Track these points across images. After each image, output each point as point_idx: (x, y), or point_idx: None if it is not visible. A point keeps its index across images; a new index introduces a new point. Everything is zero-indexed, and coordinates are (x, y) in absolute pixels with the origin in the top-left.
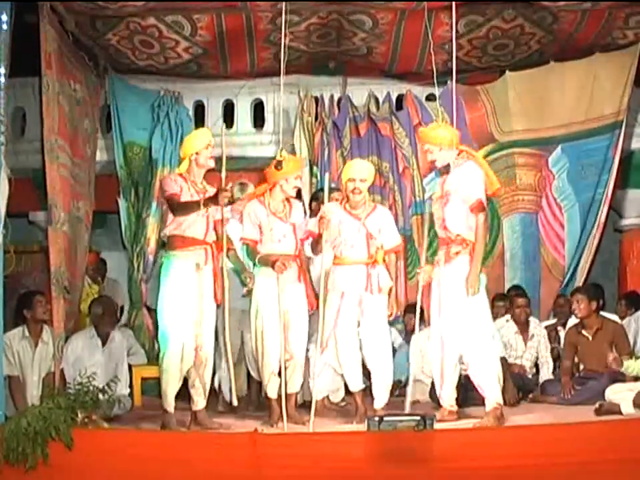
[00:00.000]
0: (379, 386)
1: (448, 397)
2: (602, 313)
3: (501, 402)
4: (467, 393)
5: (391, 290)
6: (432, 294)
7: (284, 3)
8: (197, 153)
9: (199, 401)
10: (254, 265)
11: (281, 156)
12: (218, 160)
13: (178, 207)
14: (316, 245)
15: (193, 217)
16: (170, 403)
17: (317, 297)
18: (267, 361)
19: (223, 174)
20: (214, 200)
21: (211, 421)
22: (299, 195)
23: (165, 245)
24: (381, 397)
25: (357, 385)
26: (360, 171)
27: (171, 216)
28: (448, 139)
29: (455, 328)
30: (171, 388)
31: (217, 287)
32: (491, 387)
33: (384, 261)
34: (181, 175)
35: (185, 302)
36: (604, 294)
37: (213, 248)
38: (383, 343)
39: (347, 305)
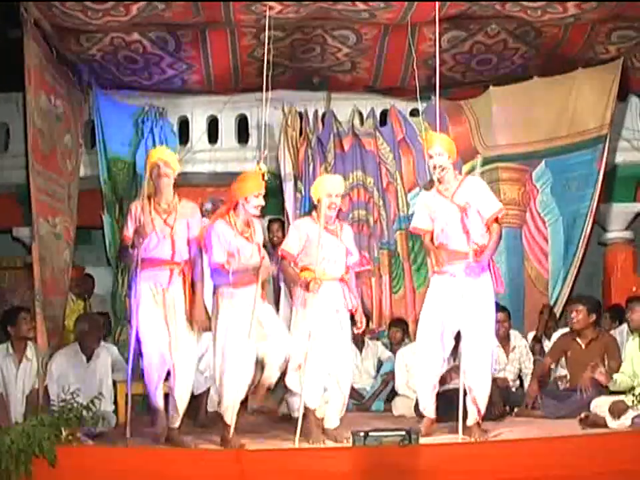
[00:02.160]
0: (334, 405)
1: (433, 408)
2: None
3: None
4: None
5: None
6: (439, 305)
7: (267, 18)
8: (150, 173)
9: (173, 419)
10: (214, 284)
11: (259, 168)
12: (199, 174)
13: (120, 250)
14: (286, 271)
15: (155, 239)
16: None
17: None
18: (229, 386)
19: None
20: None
21: (180, 439)
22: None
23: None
24: (335, 417)
25: (315, 402)
26: (334, 186)
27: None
28: (454, 151)
29: (478, 340)
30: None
31: (191, 306)
32: (483, 402)
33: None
34: (149, 197)
35: (150, 323)
36: (602, 309)
37: (183, 268)
38: (348, 361)
39: (321, 321)
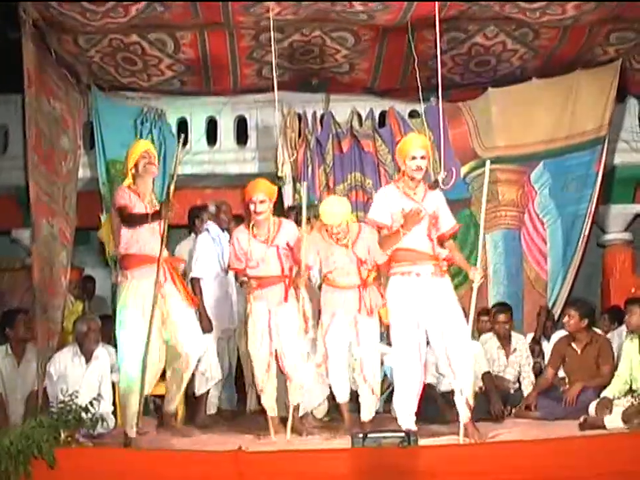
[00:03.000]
0: (367, 401)
1: (414, 419)
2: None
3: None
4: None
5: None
6: (412, 306)
7: (270, 20)
8: (135, 166)
9: (168, 404)
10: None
11: (281, 170)
12: (197, 176)
13: (127, 219)
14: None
15: (146, 235)
16: (132, 428)
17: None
18: (256, 378)
19: (172, 187)
20: (159, 215)
21: (177, 427)
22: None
23: (119, 263)
24: (369, 410)
25: (343, 396)
26: (333, 219)
27: (123, 233)
28: (429, 155)
29: (454, 339)
30: (131, 410)
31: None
32: (471, 399)
33: (375, 280)
34: (129, 187)
35: (148, 321)
36: (595, 314)
37: (169, 264)
38: (374, 362)
39: (337, 324)
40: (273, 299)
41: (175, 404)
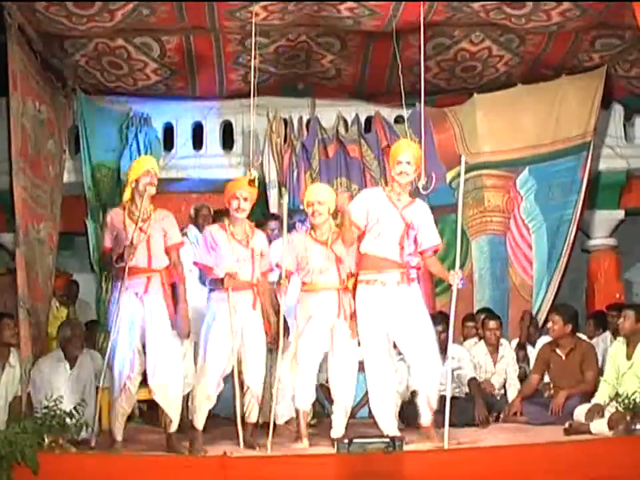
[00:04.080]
0: (339, 414)
1: (396, 424)
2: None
3: None
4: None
5: None
6: (378, 316)
7: (253, 25)
8: (136, 181)
9: (168, 426)
10: (209, 289)
11: (250, 174)
12: (183, 180)
13: (103, 260)
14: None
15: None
16: (119, 437)
17: (286, 326)
18: (204, 384)
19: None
20: (122, 258)
21: (178, 445)
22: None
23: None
24: (340, 426)
25: (305, 404)
26: (317, 193)
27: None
28: (419, 164)
29: (420, 343)
30: (119, 422)
31: (171, 313)
32: (435, 402)
33: (355, 287)
34: (123, 206)
35: (127, 331)
36: (577, 319)
37: (162, 275)
38: (351, 370)
39: (313, 328)
40: (241, 304)
41: (175, 425)
